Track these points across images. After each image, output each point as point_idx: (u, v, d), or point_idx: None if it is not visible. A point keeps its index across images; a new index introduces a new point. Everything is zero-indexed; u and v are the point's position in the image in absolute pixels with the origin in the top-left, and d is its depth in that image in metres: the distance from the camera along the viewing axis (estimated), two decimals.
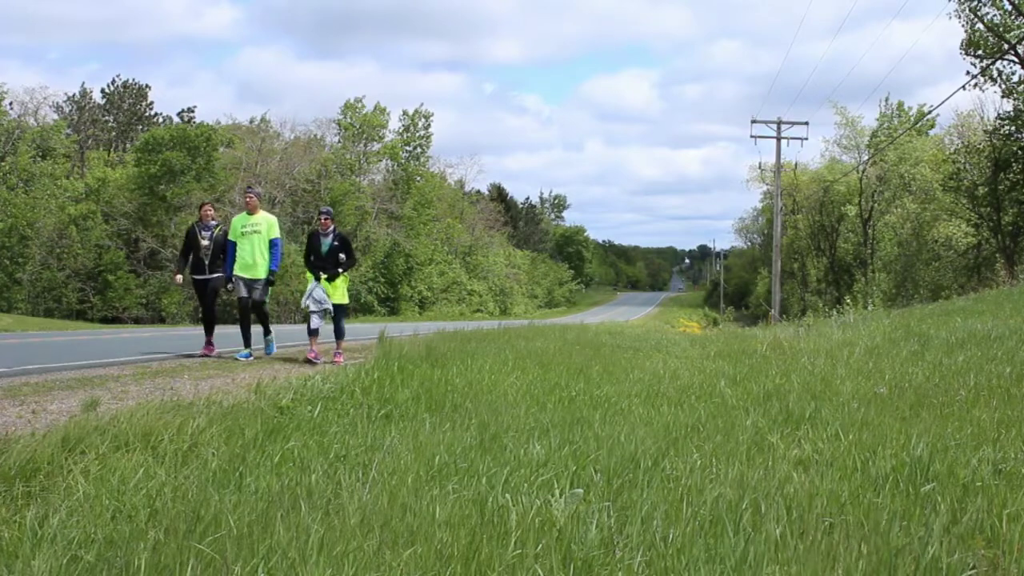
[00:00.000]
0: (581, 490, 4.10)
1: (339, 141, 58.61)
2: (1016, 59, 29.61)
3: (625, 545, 3.44)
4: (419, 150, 63.94)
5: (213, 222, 11.94)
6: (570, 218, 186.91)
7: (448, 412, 6.36)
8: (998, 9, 30.12)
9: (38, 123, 51.59)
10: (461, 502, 3.89)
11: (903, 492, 4.16)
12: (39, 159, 46.84)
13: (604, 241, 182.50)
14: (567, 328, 20.06)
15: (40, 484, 4.21)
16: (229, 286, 11.47)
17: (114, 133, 60.38)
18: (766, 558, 3.27)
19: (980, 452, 4.70)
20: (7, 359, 10.59)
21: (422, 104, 69.25)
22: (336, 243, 11.24)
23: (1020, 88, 30.73)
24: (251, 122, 56.66)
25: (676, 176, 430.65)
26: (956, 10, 30.41)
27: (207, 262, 11.63)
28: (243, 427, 5.47)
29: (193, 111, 59.89)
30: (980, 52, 30.52)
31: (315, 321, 11.16)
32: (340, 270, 11.19)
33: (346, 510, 3.73)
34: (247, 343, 11.59)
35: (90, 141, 57.63)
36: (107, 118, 60.28)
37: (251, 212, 11.51)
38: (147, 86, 61.82)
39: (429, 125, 63.96)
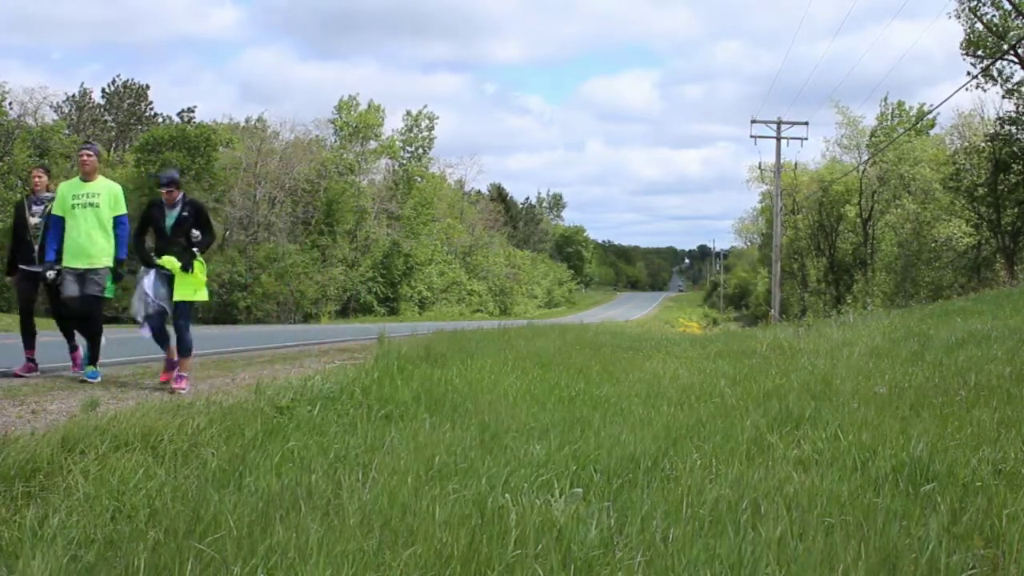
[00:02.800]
0: (581, 490, 4.10)
1: (336, 141, 58.63)
2: (1016, 59, 29.61)
3: (625, 545, 3.44)
4: (421, 151, 63.97)
5: (47, 193, 8.78)
6: (570, 218, 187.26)
7: (448, 412, 6.36)
8: (998, 9, 30.13)
9: (37, 123, 51.60)
10: (461, 502, 3.89)
11: (903, 492, 4.16)
12: (37, 159, 46.84)
13: (604, 241, 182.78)
14: (567, 328, 20.07)
15: (40, 484, 4.21)
16: (50, 274, 8.22)
17: (114, 133, 60.41)
18: (765, 558, 3.27)
19: (980, 452, 4.70)
20: (7, 359, 10.59)
21: (426, 106, 69.26)
22: (185, 213, 8.11)
23: (1021, 89, 30.73)
24: (247, 121, 56.69)
25: (676, 176, 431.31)
26: (956, 10, 30.43)
27: (37, 246, 8.57)
28: (243, 427, 5.47)
29: (193, 111, 59.91)
30: (980, 52, 30.53)
31: (145, 331, 8.19)
32: (196, 251, 8.09)
33: (346, 510, 3.73)
34: (92, 359, 8.53)
35: (90, 141, 57.59)
36: (107, 118, 60.30)
37: (86, 178, 8.28)
38: (147, 86, 61.87)
39: (432, 128, 64.01)
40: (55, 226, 8.24)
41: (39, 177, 8.95)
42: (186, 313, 8.18)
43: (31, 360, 8.81)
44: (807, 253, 57.73)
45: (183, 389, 7.93)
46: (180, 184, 8.28)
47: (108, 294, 8.28)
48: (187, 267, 7.99)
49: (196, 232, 8.10)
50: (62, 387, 7.97)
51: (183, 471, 4.49)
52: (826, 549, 3.35)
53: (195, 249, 8.09)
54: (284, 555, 3.20)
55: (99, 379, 8.42)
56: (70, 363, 8.99)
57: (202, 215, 8.30)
